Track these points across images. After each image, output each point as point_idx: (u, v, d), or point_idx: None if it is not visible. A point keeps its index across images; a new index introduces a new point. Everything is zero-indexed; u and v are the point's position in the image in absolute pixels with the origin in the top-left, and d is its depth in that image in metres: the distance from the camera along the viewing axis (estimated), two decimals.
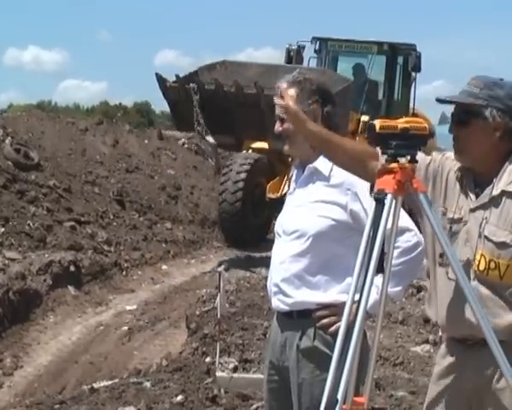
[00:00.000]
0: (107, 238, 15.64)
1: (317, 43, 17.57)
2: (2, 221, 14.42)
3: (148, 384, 7.65)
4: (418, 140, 3.14)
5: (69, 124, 21.33)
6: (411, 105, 17.63)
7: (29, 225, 14.73)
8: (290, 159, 15.81)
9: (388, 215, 3.04)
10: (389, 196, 3.04)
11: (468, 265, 3.38)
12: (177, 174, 20.74)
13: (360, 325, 2.96)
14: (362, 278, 3.03)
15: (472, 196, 3.44)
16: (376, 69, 17.20)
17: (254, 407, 6.80)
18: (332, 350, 3.46)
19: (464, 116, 3.40)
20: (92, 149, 20.01)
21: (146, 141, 22.07)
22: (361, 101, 16.25)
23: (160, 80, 14.96)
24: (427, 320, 9.80)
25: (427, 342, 9.11)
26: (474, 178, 3.46)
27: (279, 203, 3.75)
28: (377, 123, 3.12)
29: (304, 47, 17.40)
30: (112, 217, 16.91)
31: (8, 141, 17.21)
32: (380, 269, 3.05)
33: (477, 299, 3.20)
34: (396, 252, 3.51)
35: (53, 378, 10.55)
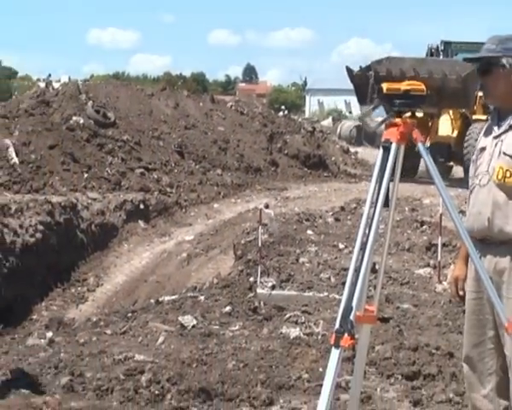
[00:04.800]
0: (170, 182, 15.74)
1: (443, 44, 19.91)
2: (86, 168, 14.60)
3: (202, 298, 7.75)
4: (418, 99, 3.15)
5: (139, 90, 21.28)
6: None
7: (107, 171, 14.89)
8: None
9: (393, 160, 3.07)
10: (394, 145, 3.07)
11: (489, 176, 3.58)
12: (226, 131, 20.65)
13: (371, 247, 2.99)
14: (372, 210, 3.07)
15: (495, 128, 3.64)
16: None
17: (288, 315, 6.87)
18: None
19: (487, 66, 3.62)
20: (157, 110, 20.00)
21: (201, 104, 21.93)
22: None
23: (349, 70, 17.88)
24: (428, 248, 9.81)
25: (428, 266, 9.10)
26: (499, 116, 3.65)
27: None
28: (384, 86, 3.14)
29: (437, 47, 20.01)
30: (173, 165, 16.98)
31: (89, 104, 17.32)
32: (386, 203, 3.09)
33: (493, 204, 3.53)
34: None
35: (127, 294, 10.76)
